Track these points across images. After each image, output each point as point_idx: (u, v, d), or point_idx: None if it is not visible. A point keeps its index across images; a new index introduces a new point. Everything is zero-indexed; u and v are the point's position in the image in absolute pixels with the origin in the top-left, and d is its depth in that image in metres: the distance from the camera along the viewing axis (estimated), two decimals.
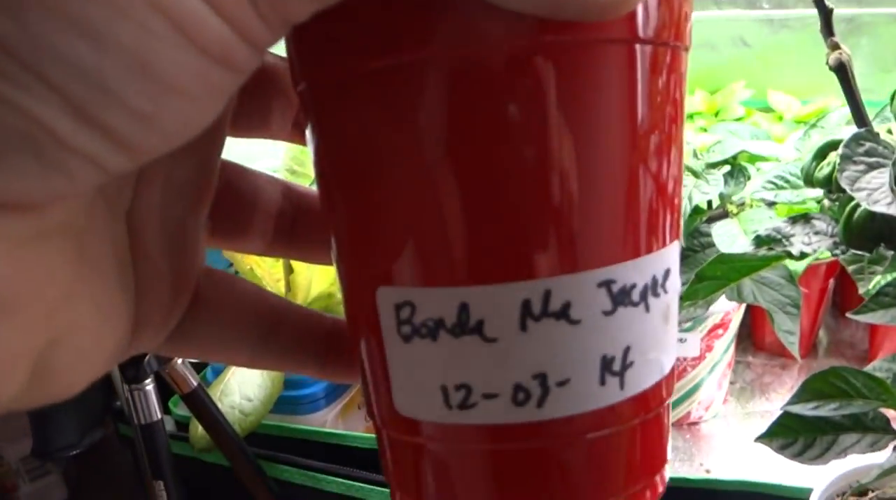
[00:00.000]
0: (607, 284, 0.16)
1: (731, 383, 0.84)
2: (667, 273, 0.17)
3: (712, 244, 0.58)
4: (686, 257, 0.60)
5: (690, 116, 0.98)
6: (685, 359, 0.75)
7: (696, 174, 0.59)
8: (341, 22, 0.15)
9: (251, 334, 0.21)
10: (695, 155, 0.63)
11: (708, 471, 0.74)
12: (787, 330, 0.53)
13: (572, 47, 0.15)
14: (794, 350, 0.52)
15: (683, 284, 0.60)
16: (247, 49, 0.12)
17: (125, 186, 0.17)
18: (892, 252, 0.40)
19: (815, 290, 0.84)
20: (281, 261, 0.71)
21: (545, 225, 0.15)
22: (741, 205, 0.59)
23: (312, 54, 0.16)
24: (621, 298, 0.16)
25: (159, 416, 0.56)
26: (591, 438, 0.17)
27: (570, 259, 0.15)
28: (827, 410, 0.41)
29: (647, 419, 0.18)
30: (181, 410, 0.73)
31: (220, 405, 0.62)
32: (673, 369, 0.18)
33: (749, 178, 0.62)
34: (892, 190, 0.34)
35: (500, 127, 0.15)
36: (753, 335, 0.92)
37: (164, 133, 0.12)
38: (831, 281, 0.85)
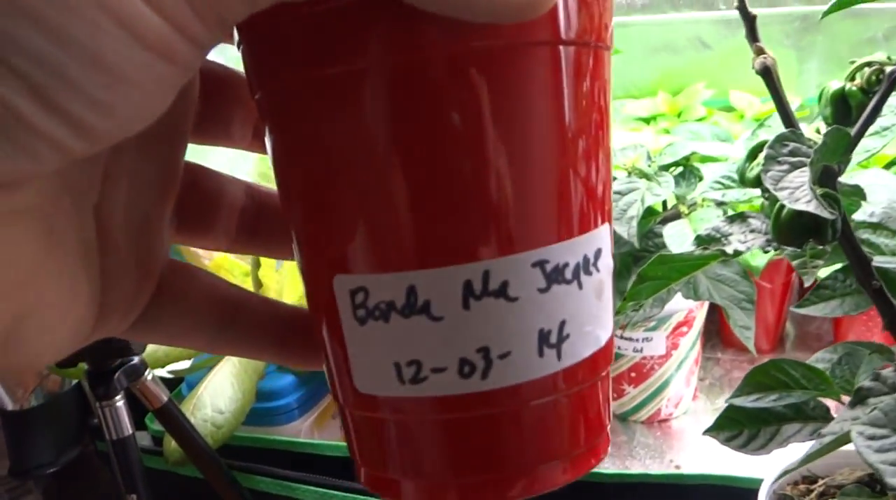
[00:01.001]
0: (541, 263, 0.17)
1: (701, 379, 0.86)
2: (598, 253, 0.19)
3: (664, 245, 0.60)
4: (641, 258, 0.62)
5: (654, 118, 1.00)
6: (652, 357, 0.77)
7: (647, 177, 0.61)
8: (288, 36, 0.17)
9: (210, 322, 0.22)
10: (648, 157, 0.64)
11: (678, 467, 0.75)
12: (743, 326, 0.54)
13: (500, 50, 0.16)
14: (750, 345, 0.54)
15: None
16: (187, 45, 0.13)
17: (92, 181, 0.18)
18: (821, 247, 0.42)
19: (778, 284, 0.85)
20: (250, 276, 0.72)
21: (483, 212, 0.17)
22: (692, 205, 0.61)
23: (265, 65, 0.18)
24: (555, 276, 0.17)
25: (130, 431, 0.57)
26: (533, 405, 0.18)
27: (507, 242, 0.17)
28: (768, 401, 0.42)
29: (585, 387, 0.19)
30: (157, 425, 0.74)
31: (192, 419, 0.63)
32: (611, 341, 0.20)
33: (701, 178, 0.63)
34: (812, 189, 0.36)
35: (438, 126, 0.16)
36: (721, 332, 0.93)
37: (118, 119, 0.13)
38: (794, 275, 0.86)
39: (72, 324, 0.18)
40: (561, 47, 0.17)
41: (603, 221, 0.19)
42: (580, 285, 0.18)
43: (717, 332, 0.93)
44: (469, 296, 0.17)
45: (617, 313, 0.45)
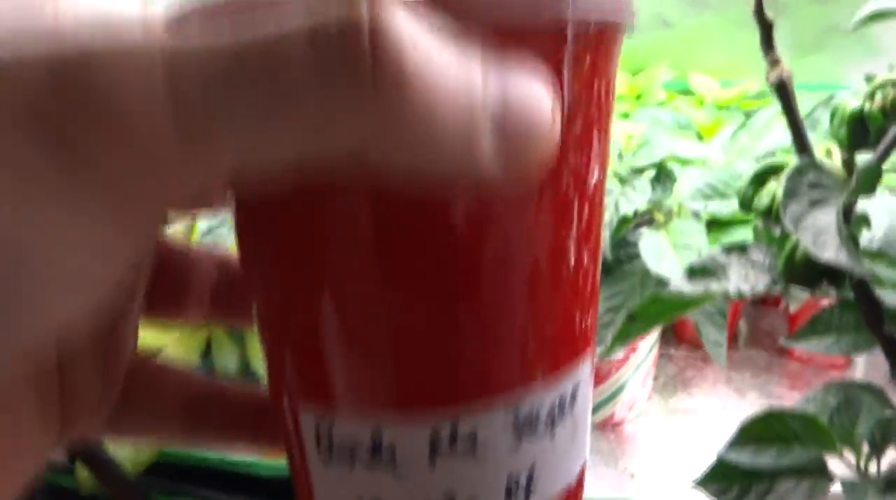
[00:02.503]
0: (514, 414, 0.16)
1: (654, 378, 0.82)
2: (575, 389, 0.17)
3: (638, 255, 0.55)
4: (611, 269, 0.57)
5: None
6: (609, 361, 0.73)
7: (622, 180, 0.55)
8: None
9: (180, 417, 0.21)
10: (619, 157, 0.59)
11: (632, 475, 0.72)
12: (715, 341, 0.51)
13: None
14: (722, 361, 0.50)
15: (609, 297, 0.57)
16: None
17: None
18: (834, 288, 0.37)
19: None
20: None
21: (451, 353, 0.15)
22: (668, 213, 0.56)
23: None
24: (527, 424, 0.16)
25: None
26: None
27: (476, 389, 0.16)
28: (766, 458, 0.38)
29: None
30: None
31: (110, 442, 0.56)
32: (583, 466, 0.19)
33: (675, 181, 0.59)
34: (840, 233, 0.31)
35: (428, 247, 0.15)
36: (675, 328, 0.90)
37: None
38: None
39: (28, 455, 0.17)
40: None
41: (584, 354, 0.17)
42: (552, 435, 0.17)
43: (670, 327, 0.90)
44: (436, 446, 0.16)
45: (608, 354, 0.40)
